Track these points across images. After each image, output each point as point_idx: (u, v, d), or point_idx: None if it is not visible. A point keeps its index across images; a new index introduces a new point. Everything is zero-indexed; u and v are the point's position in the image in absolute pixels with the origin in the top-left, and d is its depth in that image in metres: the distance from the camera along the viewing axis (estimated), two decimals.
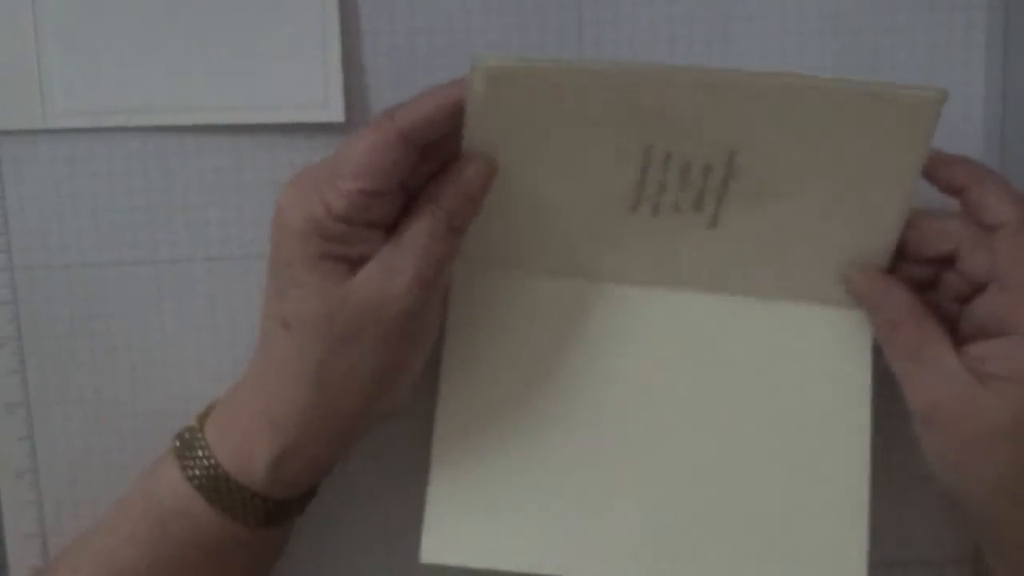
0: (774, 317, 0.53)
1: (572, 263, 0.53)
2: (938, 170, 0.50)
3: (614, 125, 0.49)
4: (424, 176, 0.49)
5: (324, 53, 0.53)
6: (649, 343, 0.53)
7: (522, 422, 0.52)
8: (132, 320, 0.55)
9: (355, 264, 0.47)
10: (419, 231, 0.47)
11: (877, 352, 0.51)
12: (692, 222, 0.51)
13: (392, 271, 0.47)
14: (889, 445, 0.52)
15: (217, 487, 0.49)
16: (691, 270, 0.53)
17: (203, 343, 0.55)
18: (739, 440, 0.52)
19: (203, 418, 0.51)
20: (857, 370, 0.52)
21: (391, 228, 0.48)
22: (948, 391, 0.48)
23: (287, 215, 0.47)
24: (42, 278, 0.55)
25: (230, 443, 0.49)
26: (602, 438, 0.52)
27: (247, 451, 0.49)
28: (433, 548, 0.51)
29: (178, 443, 0.50)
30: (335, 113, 0.53)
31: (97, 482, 0.55)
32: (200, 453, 0.49)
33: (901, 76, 0.53)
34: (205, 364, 0.55)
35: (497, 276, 0.53)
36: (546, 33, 0.53)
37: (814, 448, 0.52)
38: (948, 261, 0.50)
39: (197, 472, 0.49)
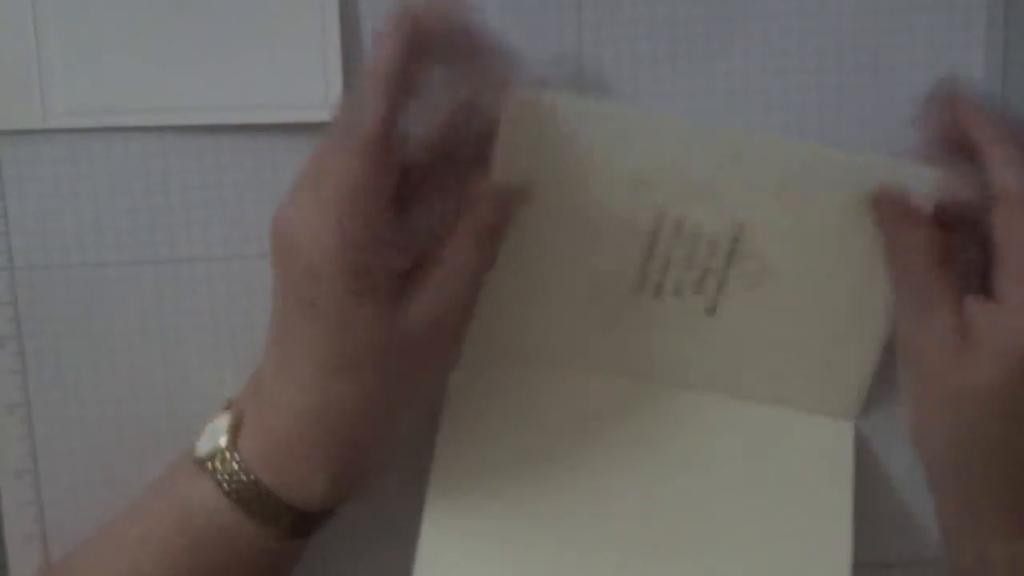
0: (761, 422, 0.53)
1: (569, 351, 0.53)
2: (959, 119, 0.49)
3: (631, 178, 0.50)
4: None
5: (324, 53, 0.53)
6: (639, 440, 0.53)
7: (512, 516, 0.52)
8: (132, 320, 0.55)
9: (388, 283, 0.47)
10: (464, 268, 0.48)
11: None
12: (692, 307, 0.52)
13: (446, 309, 0.48)
14: (889, 444, 0.52)
15: (259, 502, 0.49)
16: (686, 361, 0.53)
17: (203, 343, 0.55)
18: (722, 542, 0.51)
19: (234, 436, 0.49)
20: (839, 485, 0.52)
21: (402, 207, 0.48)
22: (934, 346, 0.48)
23: (310, 258, 0.46)
24: (42, 278, 0.55)
25: (275, 464, 0.49)
26: (593, 533, 0.52)
27: (300, 475, 0.49)
28: None
29: (212, 465, 0.49)
30: None
31: (97, 482, 0.55)
32: (243, 477, 0.49)
33: (901, 76, 0.53)
34: (205, 364, 0.55)
35: (493, 367, 0.53)
36: (546, 33, 0.53)
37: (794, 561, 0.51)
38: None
39: (235, 487, 0.49)
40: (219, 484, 0.49)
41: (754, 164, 0.50)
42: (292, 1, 0.52)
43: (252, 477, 0.48)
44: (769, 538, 0.51)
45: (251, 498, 0.49)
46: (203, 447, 0.50)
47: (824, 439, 0.53)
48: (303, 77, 0.53)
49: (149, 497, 0.51)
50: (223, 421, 0.50)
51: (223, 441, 0.49)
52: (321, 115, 0.53)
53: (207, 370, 0.55)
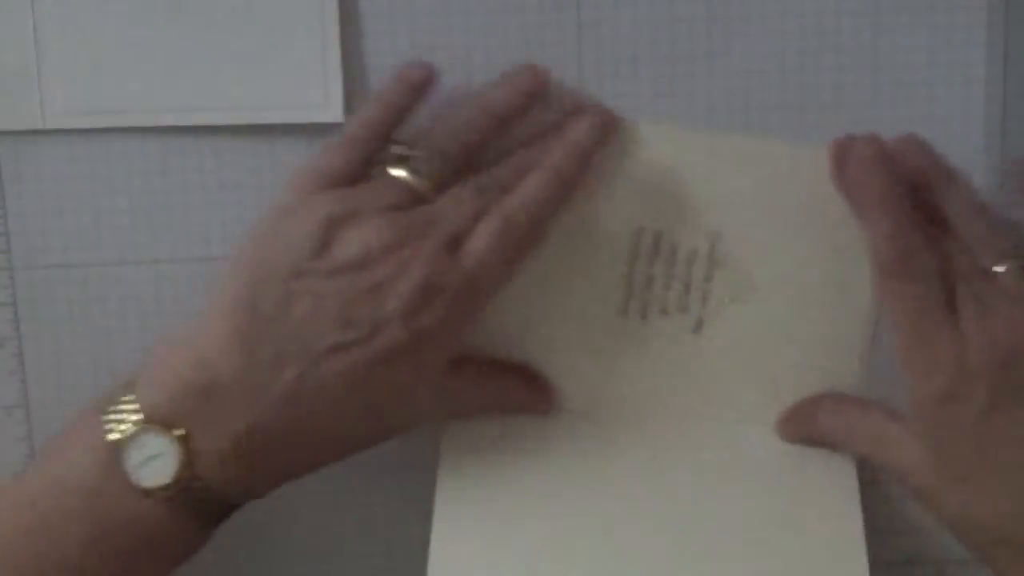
0: (760, 441, 0.52)
1: (557, 380, 0.52)
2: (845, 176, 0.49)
3: (607, 201, 0.50)
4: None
5: (324, 53, 0.53)
6: (637, 474, 0.52)
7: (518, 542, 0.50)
8: (132, 320, 0.55)
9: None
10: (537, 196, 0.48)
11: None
12: (678, 326, 0.52)
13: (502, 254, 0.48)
14: None
15: (200, 504, 0.47)
16: (676, 383, 0.52)
17: None
18: (732, 559, 0.50)
19: (188, 462, 0.46)
20: (844, 497, 0.51)
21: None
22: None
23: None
24: (42, 278, 0.55)
25: (234, 472, 0.46)
26: (600, 548, 0.50)
27: (265, 478, 0.47)
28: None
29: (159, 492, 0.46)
30: (335, 113, 0.53)
31: None
32: (196, 493, 0.46)
33: (901, 76, 0.53)
34: None
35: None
36: (546, 33, 0.53)
37: None
38: None
39: (181, 499, 0.46)
40: (164, 501, 0.46)
41: (725, 167, 0.50)
42: (292, 1, 0.52)
43: (206, 489, 0.46)
44: (780, 555, 0.50)
45: (193, 502, 0.46)
46: (146, 477, 0.45)
47: (826, 461, 0.52)
48: (303, 77, 0.53)
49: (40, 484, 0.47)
50: (159, 443, 0.46)
51: (174, 473, 0.45)
52: (321, 115, 0.53)
53: None
